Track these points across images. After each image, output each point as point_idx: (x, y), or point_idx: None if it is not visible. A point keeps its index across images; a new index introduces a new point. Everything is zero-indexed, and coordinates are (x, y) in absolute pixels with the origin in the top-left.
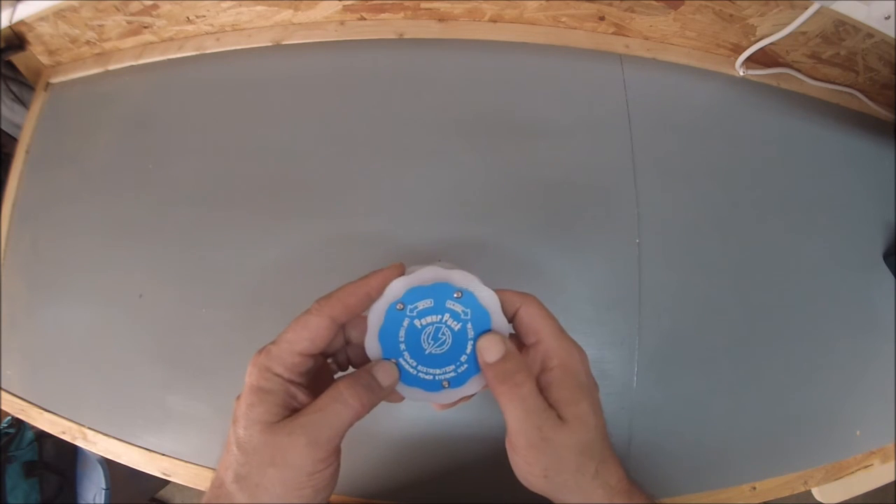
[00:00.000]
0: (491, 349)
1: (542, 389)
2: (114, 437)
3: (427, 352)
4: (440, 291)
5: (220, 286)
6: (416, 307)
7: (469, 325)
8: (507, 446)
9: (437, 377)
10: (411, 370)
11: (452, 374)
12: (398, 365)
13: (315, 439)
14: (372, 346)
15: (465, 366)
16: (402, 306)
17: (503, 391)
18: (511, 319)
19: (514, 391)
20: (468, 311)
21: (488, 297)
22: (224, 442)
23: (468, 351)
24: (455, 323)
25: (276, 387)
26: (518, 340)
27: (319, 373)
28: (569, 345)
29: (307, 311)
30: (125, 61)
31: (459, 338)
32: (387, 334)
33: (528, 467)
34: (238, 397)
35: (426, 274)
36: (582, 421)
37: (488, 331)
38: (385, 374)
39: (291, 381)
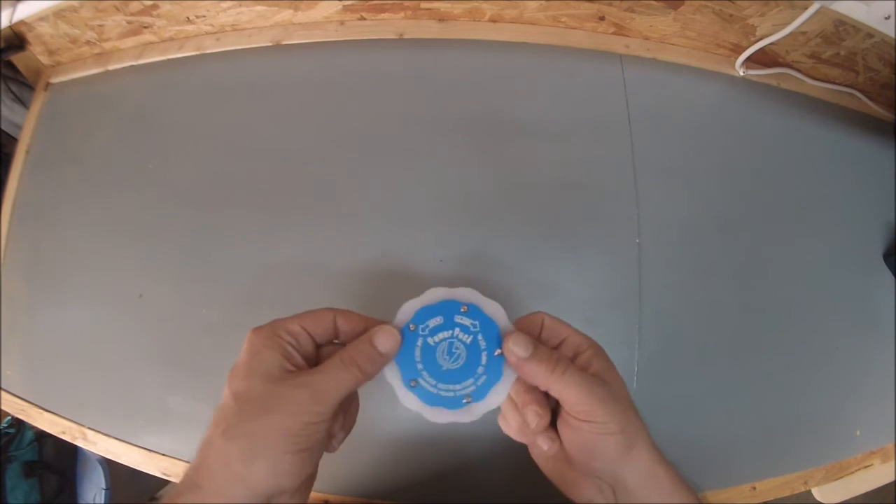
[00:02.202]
0: (521, 345)
1: (581, 366)
2: (114, 437)
3: (444, 368)
4: (447, 308)
5: (220, 286)
6: (427, 325)
7: (479, 337)
8: (571, 425)
9: (457, 393)
10: (432, 389)
11: (472, 388)
12: (418, 386)
13: (317, 392)
14: (389, 370)
15: (484, 377)
16: (413, 327)
17: (552, 371)
18: (538, 335)
19: (563, 366)
20: (476, 322)
21: (493, 308)
22: (214, 412)
23: (483, 362)
24: (466, 336)
25: (276, 344)
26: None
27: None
28: (587, 336)
29: (317, 308)
30: (125, 61)
31: (473, 350)
32: (403, 356)
33: (605, 429)
34: (233, 366)
35: (432, 294)
36: (619, 383)
37: (509, 332)
38: (384, 340)
39: (290, 343)
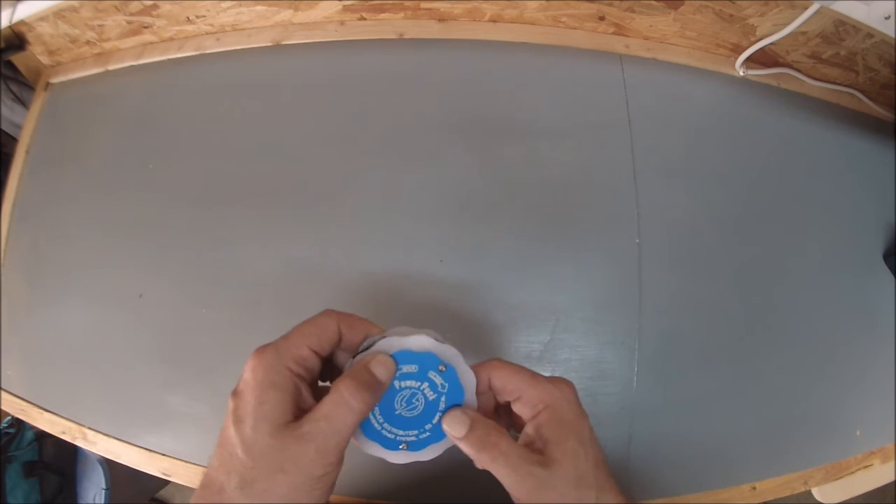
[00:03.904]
0: (456, 425)
1: (534, 432)
2: (114, 437)
3: (397, 412)
4: (426, 361)
5: (220, 286)
6: (400, 369)
7: (443, 399)
8: (512, 497)
9: (398, 437)
10: (376, 425)
11: (413, 439)
12: (366, 417)
13: (324, 447)
14: None
15: (427, 434)
16: None
17: (484, 457)
18: (489, 388)
19: (493, 452)
20: (446, 385)
21: (468, 378)
22: (218, 440)
23: (434, 421)
24: (431, 393)
25: (286, 382)
26: (500, 406)
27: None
28: (548, 386)
29: (315, 315)
30: (125, 61)
31: (430, 407)
32: None
33: None
34: (234, 393)
35: (418, 341)
36: (571, 456)
37: (451, 408)
38: (382, 368)
39: (300, 377)
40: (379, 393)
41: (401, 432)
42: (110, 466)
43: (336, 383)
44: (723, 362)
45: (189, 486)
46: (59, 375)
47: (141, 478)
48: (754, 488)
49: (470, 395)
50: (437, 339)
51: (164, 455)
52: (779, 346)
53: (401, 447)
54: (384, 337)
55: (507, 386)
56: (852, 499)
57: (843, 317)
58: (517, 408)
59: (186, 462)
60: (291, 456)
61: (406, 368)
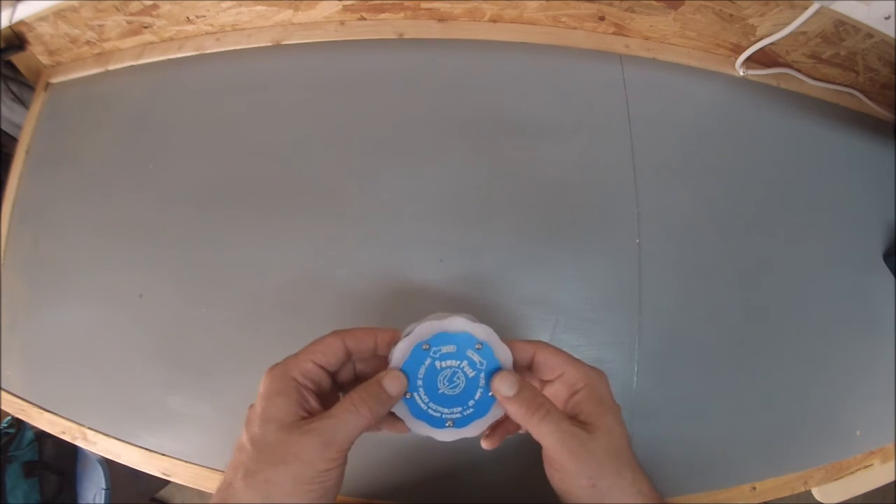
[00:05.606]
0: (507, 384)
1: (572, 409)
2: (114, 437)
3: (440, 391)
4: (464, 340)
5: (220, 286)
6: (439, 350)
7: (482, 375)
8: (548, 467)
9: (443, 415)
10: (422, 405)
11: (458, 416)
12: (412, 399)
13: (329, 440)
14: None
15: (472, 410)
16: (427, 346)
17: (531, 415)
18: (529, 364)
19: (541, 412)
20: (484, 361)
21: (504, 353)
22: (233, 447)
23: (477, 397)
24: (471, 370)
25: (291, 389)
26: (538, 382)
27: (330, 397)
28: (589, 369)
29: (323, 335)
30: (125, 61)
31: (471, 384)
32: (409, 369)
33: (574, 479)
34: (251, 406)
35: (454, 323)
36: (609, 429)
37: (499, 370)
38: (393, 384)
39: (304, 386)
40: (388, 405)
41: (446, 410)
42: (110, 466)
43: (349, 393)
44: (723, 362)
45: (189, 486)
46: (59, 375)
47: (141, 478)
48: (754, 488)
49: (507, 368)
50: (471, 320)
51: (164, 455)
52: (778, 346)
53: (447, 424)
54: (422, 323)
55: (550, 363)
56: (852, 499)
57: (843, 317)
58: (556, 387)
59: (186, 462)
60: (295, 448)
61: (445, 349)
